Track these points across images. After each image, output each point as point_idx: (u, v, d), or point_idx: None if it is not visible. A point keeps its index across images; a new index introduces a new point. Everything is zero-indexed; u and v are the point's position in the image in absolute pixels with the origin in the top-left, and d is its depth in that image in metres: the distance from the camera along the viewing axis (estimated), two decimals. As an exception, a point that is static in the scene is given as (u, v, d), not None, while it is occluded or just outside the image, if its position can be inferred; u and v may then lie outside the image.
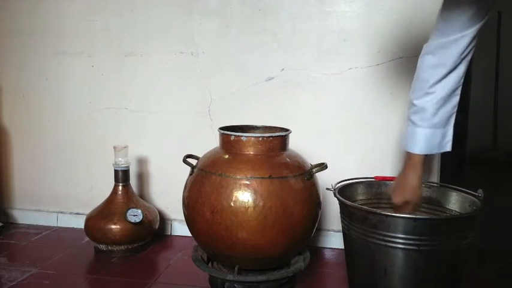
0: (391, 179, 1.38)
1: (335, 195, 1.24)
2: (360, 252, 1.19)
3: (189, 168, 1.30)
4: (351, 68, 1.63)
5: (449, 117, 1.09)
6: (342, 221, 1.27)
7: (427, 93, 1.06)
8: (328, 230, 1.72)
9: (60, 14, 1.82)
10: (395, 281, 1.12)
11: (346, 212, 1.22)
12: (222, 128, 1.31)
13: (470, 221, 1.12)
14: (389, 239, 1.09)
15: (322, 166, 1.25)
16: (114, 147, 1.64)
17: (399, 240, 1.08)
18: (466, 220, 1.13)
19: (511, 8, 3.51)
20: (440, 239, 1.08)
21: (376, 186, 1.40)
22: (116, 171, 1.64)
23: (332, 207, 1.65)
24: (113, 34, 1.79)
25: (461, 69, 1.04)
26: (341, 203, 1.23)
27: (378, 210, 1.13)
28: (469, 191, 1.26)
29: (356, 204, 1.21)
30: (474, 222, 1.12)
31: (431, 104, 1.06)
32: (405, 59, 1.58)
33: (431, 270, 1.10)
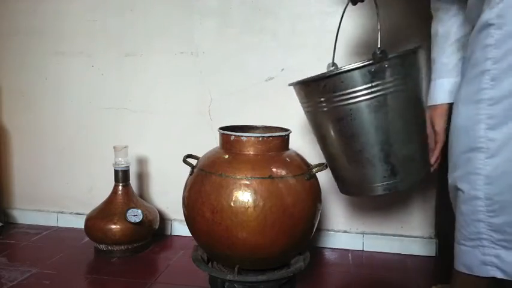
0: None
1: (293, 86, 1.23)
2: (332, 123, 1.18)
3: (189, 168, 1.30)
4: (351, 68, 1.63)
5: None
6: (306, 109, 1.25)
7: None
8: (328, 230, 1.72)
9: (59, 13, 1.82)
10: (368, 132, 1.13)
11: (307, 93, 1.21)
12: (222, 128, 1.31)
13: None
14: (353, 94, 1.10)
15: (322, 166, 1.25)
16: (114, 147, 1.64)
17: (363, 92, 1.10)
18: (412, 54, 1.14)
19: (511, 8, 3.52)
20: (399, 78, 1.10)
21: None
22: (116, 171, 1.64)
23: (332, 207, 1.65)
24: (113, 34, 1.79)
25: None
26: (300, 86, 1.22)
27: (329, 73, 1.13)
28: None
29: (311, 76, 1.18)
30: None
31: None
32: (405, 59, 1.58)
33: (401, 111, 1.12)
